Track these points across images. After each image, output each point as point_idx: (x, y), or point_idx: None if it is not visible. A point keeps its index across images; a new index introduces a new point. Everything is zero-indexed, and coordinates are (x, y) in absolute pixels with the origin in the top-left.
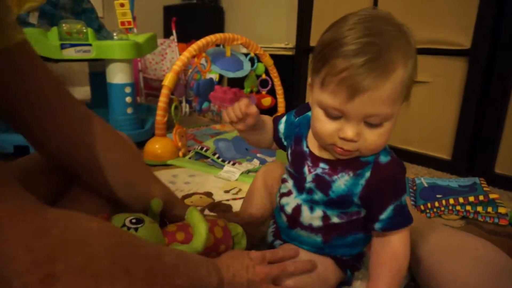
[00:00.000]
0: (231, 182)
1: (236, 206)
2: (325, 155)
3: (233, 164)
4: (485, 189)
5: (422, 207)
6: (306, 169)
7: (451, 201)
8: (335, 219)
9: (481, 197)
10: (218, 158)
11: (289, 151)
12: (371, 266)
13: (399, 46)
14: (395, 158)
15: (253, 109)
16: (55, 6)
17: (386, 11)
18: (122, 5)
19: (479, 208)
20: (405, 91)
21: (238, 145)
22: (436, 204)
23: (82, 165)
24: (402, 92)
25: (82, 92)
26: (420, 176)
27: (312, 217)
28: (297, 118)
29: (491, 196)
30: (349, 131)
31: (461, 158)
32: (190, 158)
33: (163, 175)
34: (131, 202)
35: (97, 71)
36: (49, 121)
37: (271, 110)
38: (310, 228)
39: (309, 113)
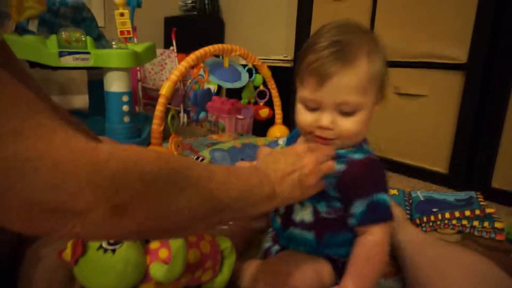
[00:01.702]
0: None
1: None
2: None
3: None
4: (481, 203)
5: (417, 221)
6: None
7: (447, 215)
8: (324, 214)
9: (477, 211)
10: None
11: None
12: (349, 262)
13: (362, 43)
14: (371, 157)
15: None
16: (56, 14)
17: (357, 20)
18: (122, 14)
19: (476, 223)
20: (376, 87)
21: (234, 155)
22: (432, 218)
23: None
24: (370, 85)
25: (81, 100)
26: (416, 190)
27: (303, 211)
28: (289, 135)
29: (488, 210)
30: (324, 119)
31: (458, 172)
32: None
33: None
34: None
35: (95, 79)
36: None
37: (268, 122)
38: (302, 224)
39: (295, 130)
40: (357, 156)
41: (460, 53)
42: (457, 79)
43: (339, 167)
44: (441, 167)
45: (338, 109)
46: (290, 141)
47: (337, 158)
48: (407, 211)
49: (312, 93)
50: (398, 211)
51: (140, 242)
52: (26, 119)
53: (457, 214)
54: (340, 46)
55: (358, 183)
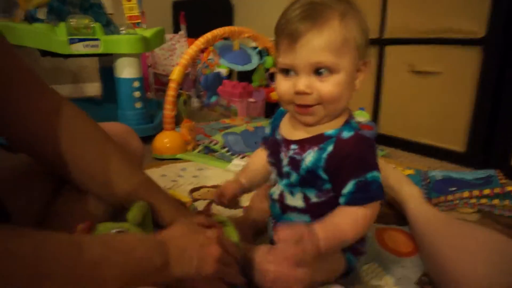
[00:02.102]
0: None
1: (244, 199)
2: (294, 136)
3: (242, 157)
4: (501, 181)
5: (435, 201)
6: (282, 154)
7: (466, 194)
8: (314, 199)
9: (496, 190)
10: (227, 151)
11: (268, 144)
12: (329, 214)
13: (336, 6)
14: (360, 134)
15: (225, 198)
16: (64, 2)
17: None
18: None
19: (495, 201)
20: (353, 52)
21: (247, 138)
22: (450, 197)
23: (50, 160)
24: (344, 48)
25: (93, 88)
26: (433, 169)
27: (294, 200)
28: (273, 118)
29: (508, 188)
30: (300, 83)
31: (476, 150)
32: (199, 152)
33: (172, 169)
34: (112, 202)
35: (107, 66)
36: (11, 111)
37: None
38: (296, 209)
39: (280, 108)
40: (345, 134)
41: (477, 27)
42: (474, 54)
43: (329, 148)
44: (458, 146)
45: (313, 71)
46: (274, 123)
47: (325, 139)
48: (424, 191)
49: (286, 56)
50: (415, 191)
51: (149, 230)
52: None
53: (475, 192)
54: (312, 7)
55: (347, 163)
